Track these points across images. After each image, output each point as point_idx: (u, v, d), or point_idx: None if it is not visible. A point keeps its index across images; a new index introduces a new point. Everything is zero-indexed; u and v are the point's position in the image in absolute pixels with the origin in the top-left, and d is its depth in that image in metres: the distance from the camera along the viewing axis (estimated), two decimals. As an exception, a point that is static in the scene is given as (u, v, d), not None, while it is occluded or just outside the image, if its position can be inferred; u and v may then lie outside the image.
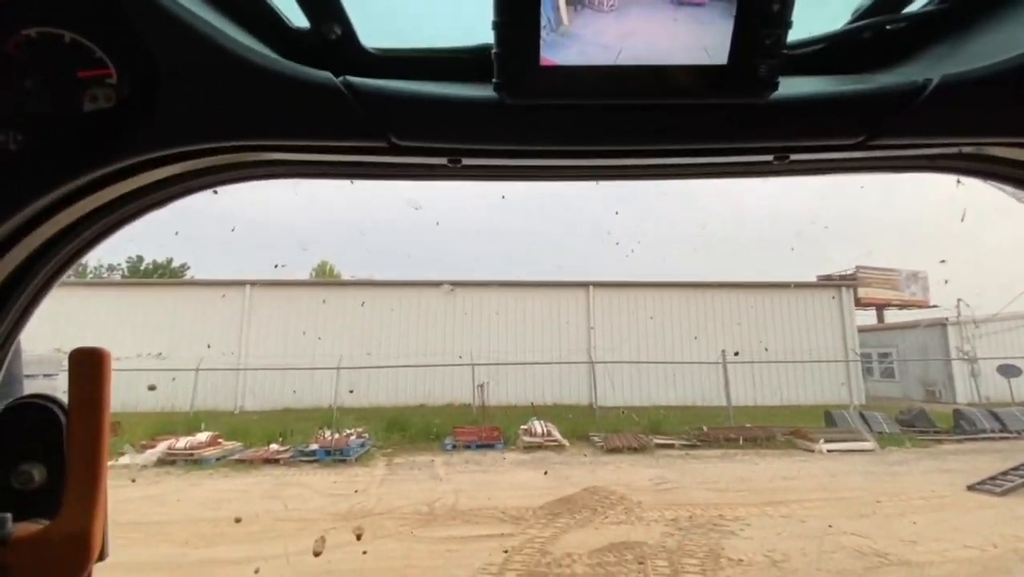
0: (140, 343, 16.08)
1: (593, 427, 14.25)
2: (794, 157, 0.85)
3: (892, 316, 30.27)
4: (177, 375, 15.42)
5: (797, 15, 0.74)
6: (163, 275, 41.21)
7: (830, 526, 6.21)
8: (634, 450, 12.02)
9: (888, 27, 0.91)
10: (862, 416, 14.13)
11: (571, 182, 0.97)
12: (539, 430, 13.00)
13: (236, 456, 11.04)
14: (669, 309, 20.99)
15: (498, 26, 0.65)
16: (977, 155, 0.88)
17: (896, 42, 0.91)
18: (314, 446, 11.04)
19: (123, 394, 14.57)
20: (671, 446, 12.43)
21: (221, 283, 19.87)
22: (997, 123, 0.78)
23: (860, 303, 28.49)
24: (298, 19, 0.82)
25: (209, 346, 16.96)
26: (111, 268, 42.78)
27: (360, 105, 0.73)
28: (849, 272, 29.18)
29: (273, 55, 0.73)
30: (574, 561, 5.39)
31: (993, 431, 13.59)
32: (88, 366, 0.69)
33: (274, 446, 11.61)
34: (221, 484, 9.05)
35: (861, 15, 0.89)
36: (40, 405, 0.72)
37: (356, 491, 8.24)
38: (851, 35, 0.90)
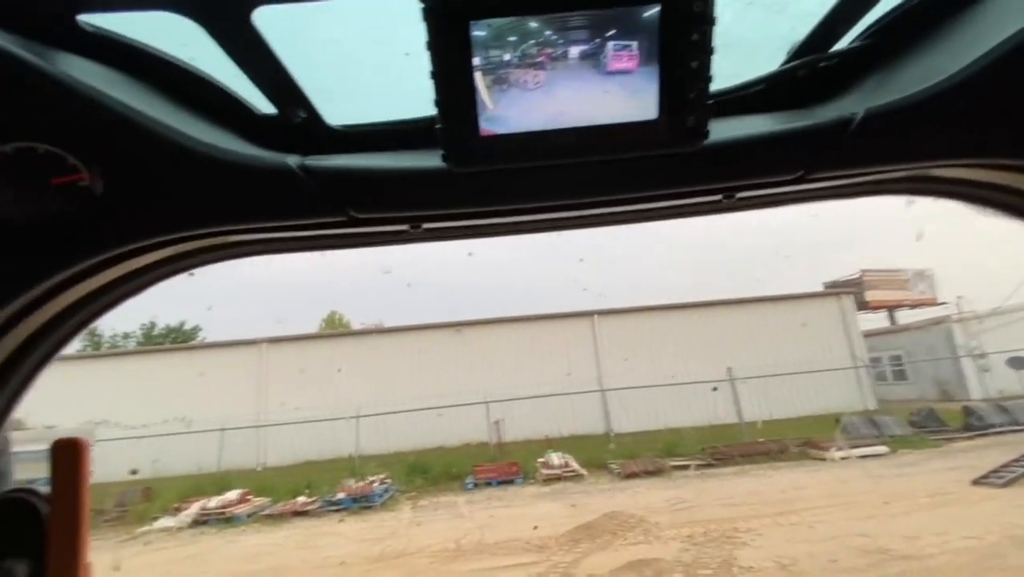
0: (164, 408, 16.61)
1: (610, 455, 14.49)
2: (741, 195, 0.92)
3: (905, 316, 30.05)
4: (202, 436, 15.90)
5: (737, 57, 0.81)
6: (176, 338, 42.10)
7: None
8: (651, 474, 12.29)
9: (821, 64, 0.96)
10: (872, 421, 14.35)
11: (532, 235, 1.04)
12: (557, 462, 13.30)
13: (266, 511, 11.40)
14: (675, 331, 21.38)
15: (439, 103, 0.71)
16: (921, 176, 0.93)
17: (829, 78, 0.96)
18: (341, 495, 11.41)
19: (153, 460, 15.04)
20: (687, 467, 12.69)
21: (236, 343, 20.54)
22: (924, 149, 0.82)
23: (869, 306, 28.68)
24: (268, 106, 0.91)
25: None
26: (126, 336, 43.77)
27: (317, 184, 0.80)
28: (854, 277, 29.53)
29: (232, 147, 0.80)
30: (596, 581, 5.78)
31: (1003, 425, 13.76)
32: (68, 456, 0.73)
33: (301, 499, 11.96)
34: (256, 539, 9.43)
35: (795, 55, 0.94)
36: (21, 499, 0.74)
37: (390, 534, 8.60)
38: (787, 74, 0.95)
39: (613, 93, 0.71)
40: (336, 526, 9.81)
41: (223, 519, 11.08)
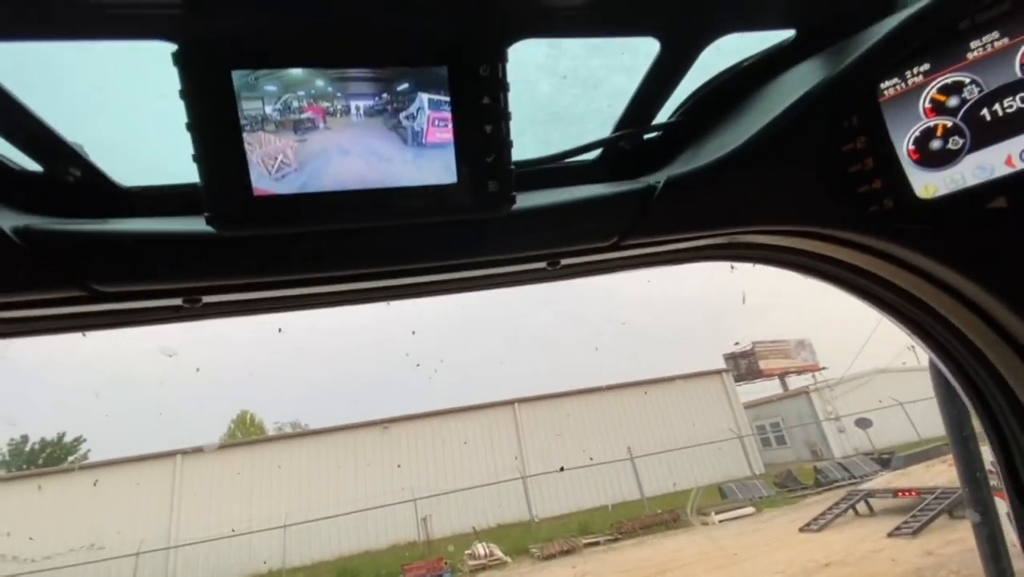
0: (68, 537, 15.62)
1: (531, 539, 15.72)
2: (565, 262, 0.92)
3: (794, 382, 33.84)
4: (113, 564, 15.09)
5: (571, 128, 0.87)
6: (54, 453, 37.72)
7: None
8: (566, 553, 13.77)
9: (643, 136, 1.02)
10: (746, 486, 17.02)
11: (335, 307, 0.95)
12: (482, 552, 14.39)
13: (192, 636, 11.34)
14: (585, 414, 23.51)
15: (198, 159, 0.63)
16: (736, 243, 0.99)
17: (652, 151, 1.03)
18: (272, 608, 11.68)
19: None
20: (597, 543, 14.34)
21: (149, 457, 19.72)
22: (718, 215, 0.88)
23: (763, 374, 32.74)
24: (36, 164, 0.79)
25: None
26: (-11, 454, 38.41)
27: (44, 253, 0.68)
28: (748, 348, 33.77)
29: None
30: (508, 642, 7.22)
31: (843, 479, 16.94)
32: None
33: (228, 618, 11.98)
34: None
35: (618, 128, 0.98)
36: None
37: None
38: (610, 145, 1.00)
39: (410, 153, 0.68)
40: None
41: (144, 650, 10.90)
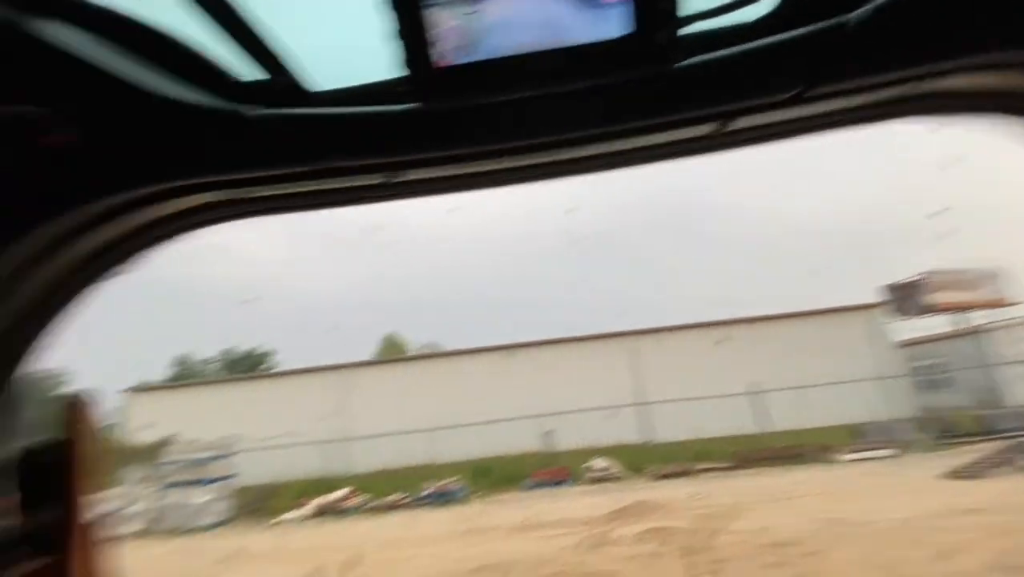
0: (276, 426, 20.32)
1: (648, 460, 16.70)
2: (737, 123, 0.84)
3: (975, 318, 29.13)
4: (306, 448, 19.45)
5: None
6: (251, 362, 47.44)
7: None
8: (680, 475, 14.51)
9: None
10: (887, 428, 15.91)
11: (516, 185, 0.99)
12: (601, 466, 15.74)
13: (369, 505, 14.47)
14: (712, 348, 23.16)
15: (390, 35, 0.68)
16: (938, 92, 0.82)
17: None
18: (429, 491, 14.33)
19: (277, 468, 18.75)
20: (712, 470, 14.81)
21: (324, 368, 24.19)
22: (931, 45, 0.72)
23: (935, 309, 28.83)
24: (253, 72, 0.87)
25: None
26: (206, 361, 49.74)
27: (282, 134, 0.80)
28: (916, 279, 29.84)
29: (217, 100, 0.80)
30: (623, 538, 8.31)
31: (1012, 429, 14.97)
32: (75, 412, 0.82)
33: (393, 497, 14.96)
34: (373, 523, 12.44)
35: None
36: (42, 448, 0.82)
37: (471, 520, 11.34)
38: None
39: (586, 14, 0.67)
40: (431, 514, 12.73)
41: (338, 512, 14.22)
